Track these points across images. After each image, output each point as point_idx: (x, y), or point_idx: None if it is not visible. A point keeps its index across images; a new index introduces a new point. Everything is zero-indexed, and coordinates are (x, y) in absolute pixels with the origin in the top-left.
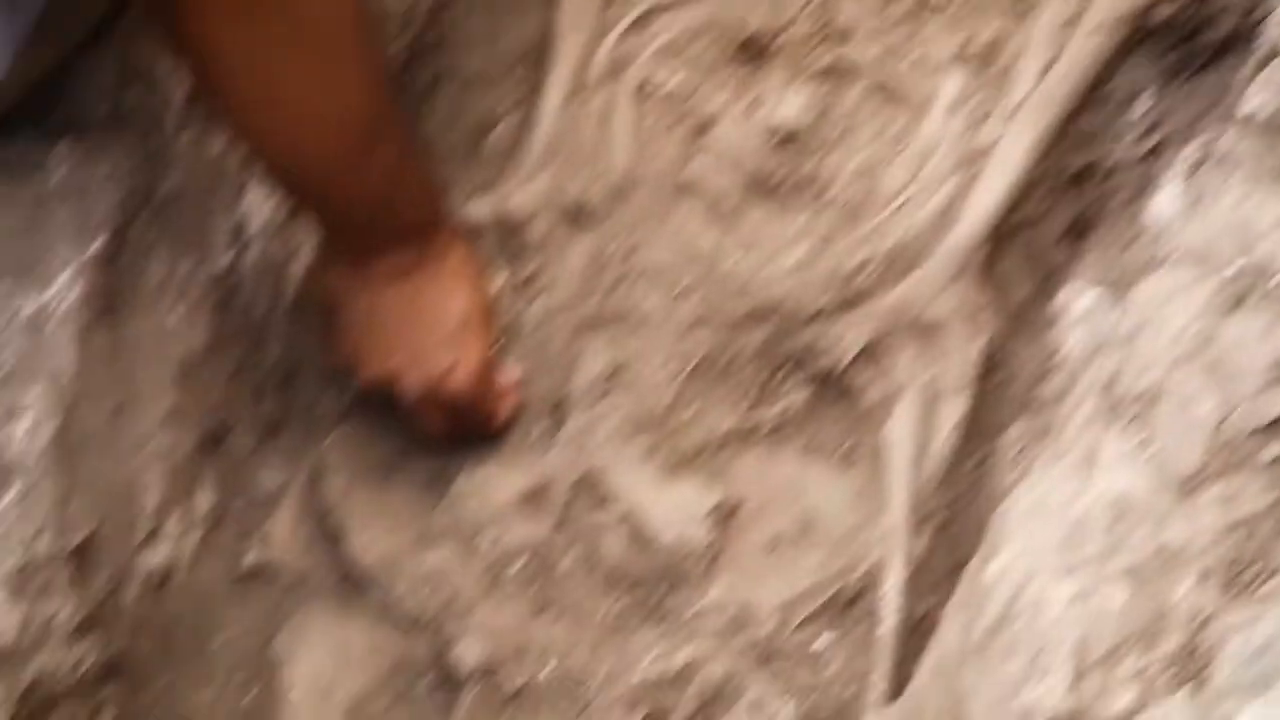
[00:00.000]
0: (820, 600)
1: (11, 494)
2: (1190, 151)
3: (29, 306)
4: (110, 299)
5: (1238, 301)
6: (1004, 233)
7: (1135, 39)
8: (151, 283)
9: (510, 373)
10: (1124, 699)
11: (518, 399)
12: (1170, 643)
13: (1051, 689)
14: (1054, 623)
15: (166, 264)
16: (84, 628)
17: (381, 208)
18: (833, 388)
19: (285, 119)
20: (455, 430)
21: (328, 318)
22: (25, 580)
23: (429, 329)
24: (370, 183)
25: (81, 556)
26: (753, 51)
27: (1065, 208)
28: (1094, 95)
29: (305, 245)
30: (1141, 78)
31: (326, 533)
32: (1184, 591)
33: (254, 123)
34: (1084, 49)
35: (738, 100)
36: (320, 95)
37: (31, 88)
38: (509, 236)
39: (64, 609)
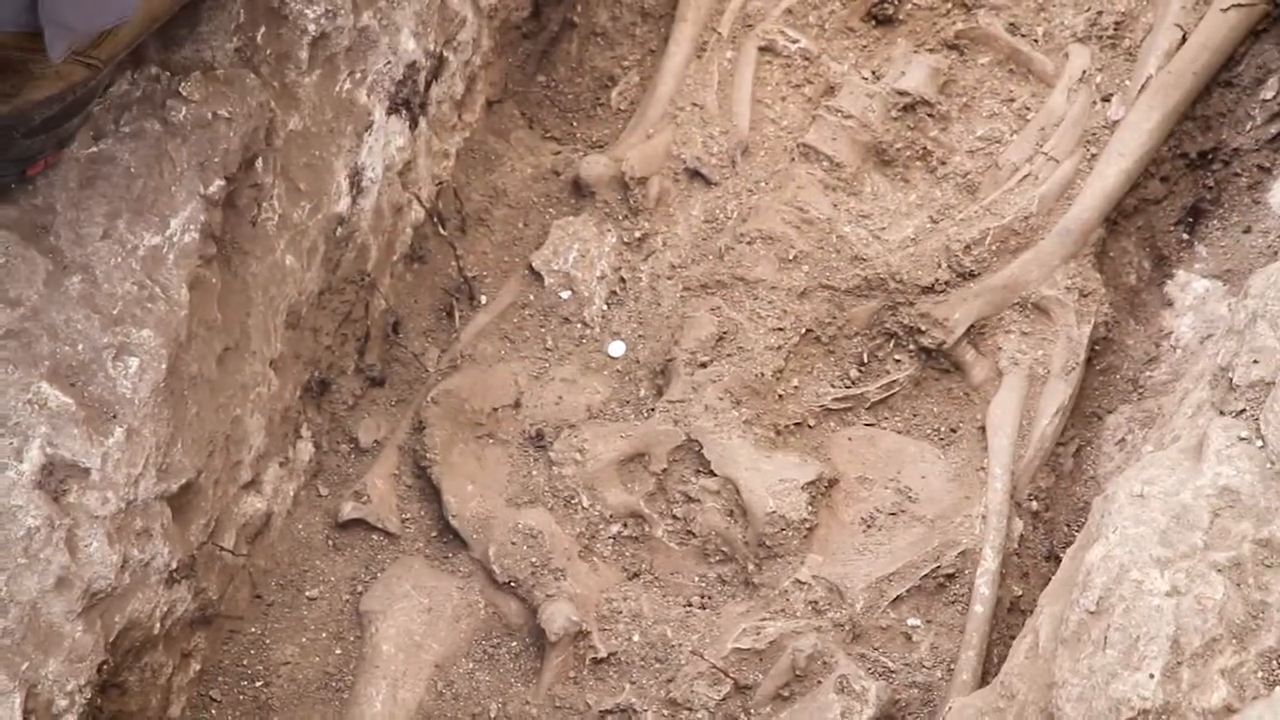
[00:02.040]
0: (913, 581)
1: (116, 435)
2: None
3: (146, 244)
4: (226, 240)
5: None
6: (1121, 214)
7: (1266, 20)
8: (268, 225)
9: None
10: (1217, 695)
11: None
12: (1267, 640)
13: (1144, 681)
14: (1150, 614)
15: (284, 206)
16: (179, 574)
17: None
18: (938, 364)
19: None
20: None
21: None
22: (125, 523)
23: None
24: None
25: (181, 502)
26: (880, 17)
27: (1184, 191)
28: (1221, 77)
29: (423, 193)
30: (1269, 62)
31: (423, 489)
32: None
33: None
34: (1215, 29)
35: (862, 66)
36: None
37: (160, 22)
38: (625, 194)
39: (161, 554)
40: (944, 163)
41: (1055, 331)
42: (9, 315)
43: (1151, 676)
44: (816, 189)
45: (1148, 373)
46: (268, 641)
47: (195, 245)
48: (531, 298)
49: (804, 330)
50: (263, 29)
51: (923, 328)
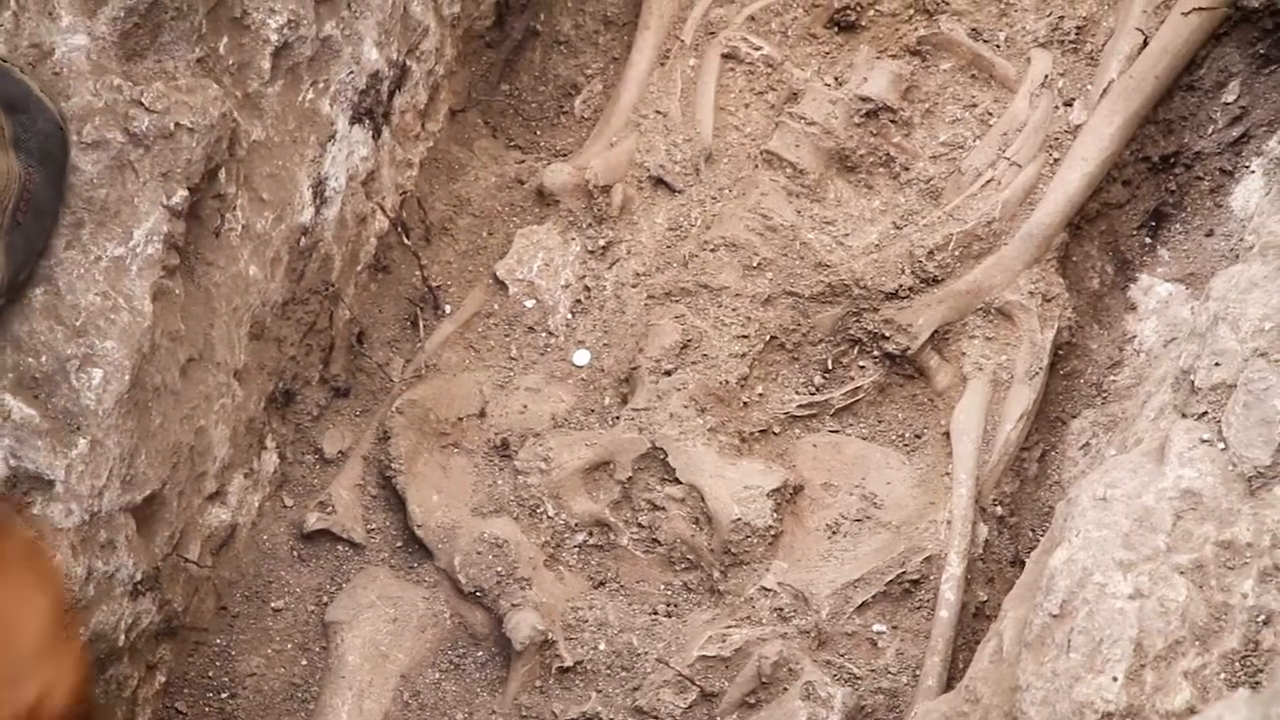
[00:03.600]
0: (879, 587)
1: (80, 447)
2: (1276, 142)
3: (109, 254)
4: (189, 250)
5: None
6: (1084, 218)
7: (1227, 24)
8: (231, 236)
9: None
10: (1180, 697)
11: None
12: (1229, 642)
13: (1107, 684)
14: (1113, 617)
15: (247, 217)
16: (144, 586)
17: None
18: (903, 370)
19: None
20: None
21: None
22: (89, 535)
23: None
24: None
25: (146, 513)
26: (843, 24)
27: (1147, 195)
28: (1182, 81)
29: (386, 202)
30: (1230, 65)
31: (388, 499)
32: (1246, 590)
33: None
34: (1176, 32)
35: (825, 72)
36: None
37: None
38: (589, 203)
39: (125, 566)
40: (907, 168)
41: (1019, 336)
42: None
43: (1115, 679)
44: (780, 196)
45: (1111, 377)
46: (233, 653)
47: (158, 255)
48: (496, 307)
49: (768, 337)
50: (225, 39)
51: (887, 333)
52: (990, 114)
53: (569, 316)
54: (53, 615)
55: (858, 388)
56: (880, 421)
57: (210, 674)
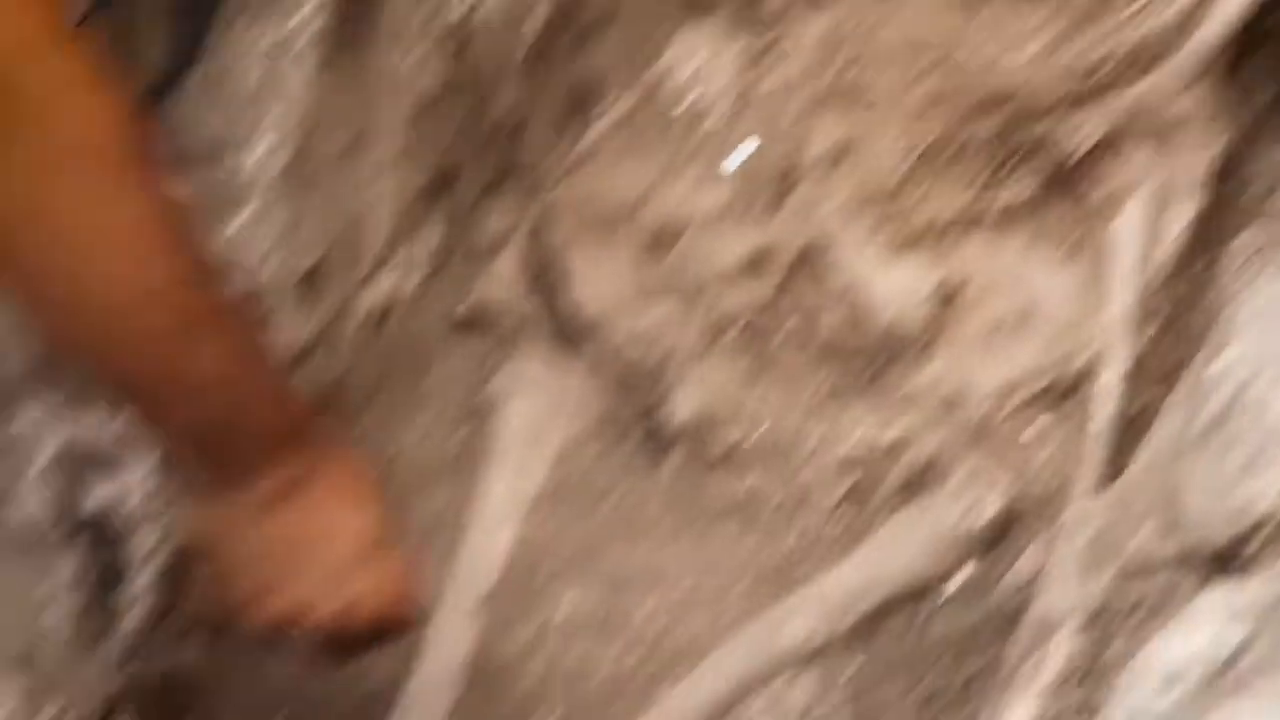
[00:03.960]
0: (1036, 387)
1: (245, 215)
2: None
3: (271, 35)
4: (350, 34)
5: None
6: (1253, 35)
7: None
8: (392, 22)
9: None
10: None
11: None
12: None
13: (1270, 485)
14: (1277, 422)
15: (408, 4)
16: (306, 352)
17: (228, 415)
18: (1063, 180)
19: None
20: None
21: (211, 570)
22: (270, 304)
23: (325, 557)
24: (201, 382)
25: (308, 283)
26: None
27: None
28: None
29: (542, 3)
30: None
31: (547, 282)
32: None
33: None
34: None
35: None
36: (103, 242)
37: None
38: (747, 6)
39: (287, 332)
40: None
41: (1181, 151)
42: None
43: (1277, 481)
44: (940, 7)
45: (1275, 196)
46: (391, 425)
47: (319, 37)
48: (654, 103)
49: (927, 144)
50: None
51: (1047, 145)
52: None
53: (726, 116)
54: (376, 525)
55: (1017, 196)
56: (1040, 229)
57: (367, 444)
